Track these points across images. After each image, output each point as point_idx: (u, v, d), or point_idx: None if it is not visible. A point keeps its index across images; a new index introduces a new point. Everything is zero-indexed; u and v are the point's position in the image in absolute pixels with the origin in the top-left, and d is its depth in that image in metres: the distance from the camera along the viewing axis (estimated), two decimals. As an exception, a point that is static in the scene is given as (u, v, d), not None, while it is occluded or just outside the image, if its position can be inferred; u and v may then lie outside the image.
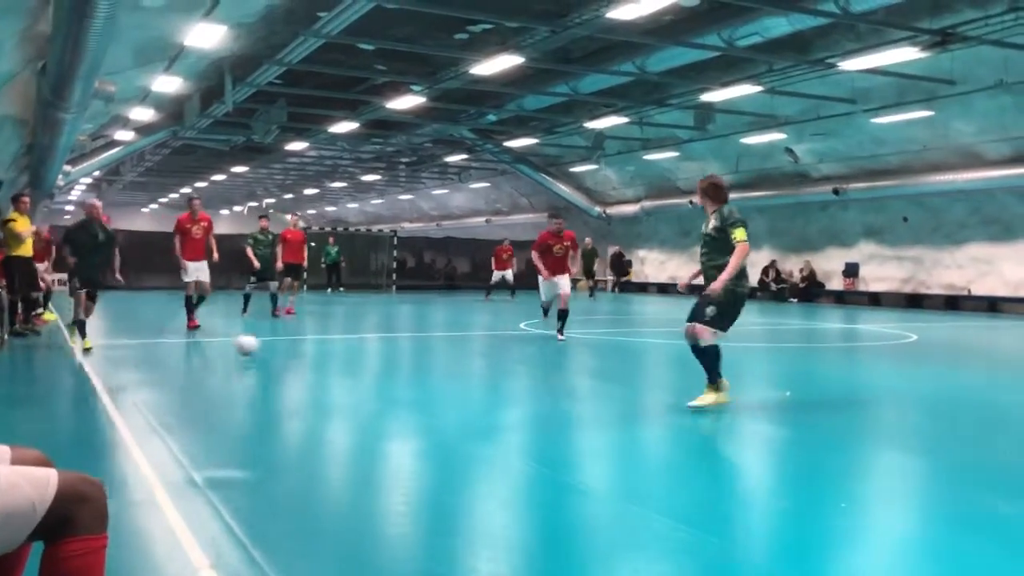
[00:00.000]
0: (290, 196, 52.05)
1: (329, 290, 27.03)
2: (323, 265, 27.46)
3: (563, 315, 12.04)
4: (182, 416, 6.57)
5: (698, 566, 3.57)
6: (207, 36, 13.67)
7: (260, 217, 16.73)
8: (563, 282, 12.09)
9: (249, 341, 9.45)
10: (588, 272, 27.53)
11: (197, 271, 12.97)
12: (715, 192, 7.13)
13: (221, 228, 54.67)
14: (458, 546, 3.77)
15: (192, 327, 12.70)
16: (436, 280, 31.71)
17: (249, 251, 15.63)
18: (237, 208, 59.24)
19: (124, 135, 24.97)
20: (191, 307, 13.02)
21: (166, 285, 26.21)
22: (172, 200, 54.34)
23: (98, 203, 10.82)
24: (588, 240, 27.46)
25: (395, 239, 32.35)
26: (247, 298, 16.38)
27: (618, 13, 12.20)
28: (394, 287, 30.56)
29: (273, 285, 15.96)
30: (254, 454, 5.42)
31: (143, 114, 22.13)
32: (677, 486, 4.89)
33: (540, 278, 12.28)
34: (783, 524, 4.27)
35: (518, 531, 4.05)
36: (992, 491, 4.76)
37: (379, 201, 51.74)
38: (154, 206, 57.66)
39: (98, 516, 2.37)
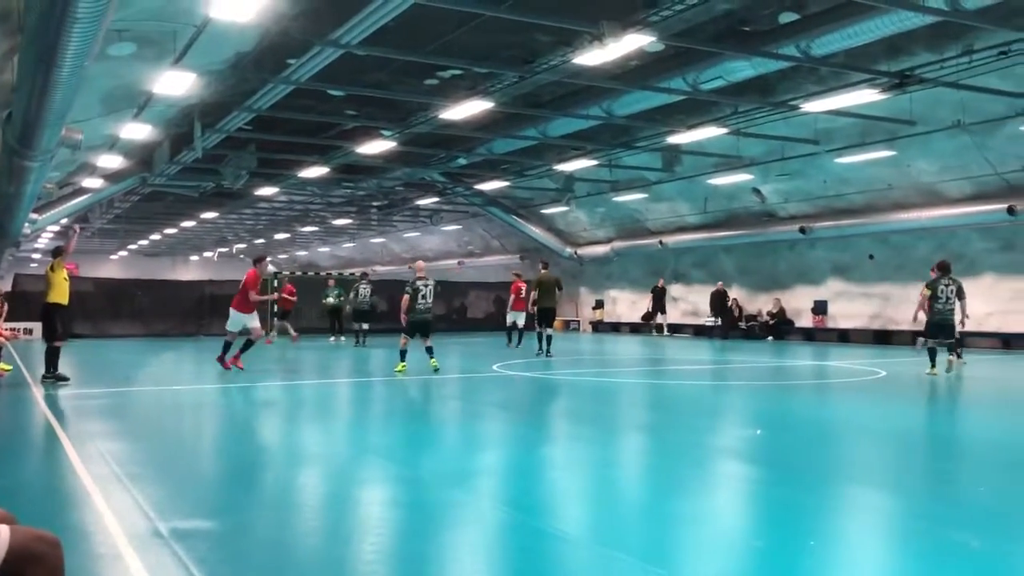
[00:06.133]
0: (261, 241, 51.88)
1: (332, 338, 24.34)
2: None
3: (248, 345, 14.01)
4: (149, 465, 6.48)
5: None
6: (176, 84, 13.70)
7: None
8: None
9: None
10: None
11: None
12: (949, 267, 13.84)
13: (190, 274, 53.59)
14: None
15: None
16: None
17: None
18: (207, 254, 58.94)
19: (92, 182, 24.83)
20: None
21: (139, 333, 25.96)
22: (142, 247, 53.98)
23: None
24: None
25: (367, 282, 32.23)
26: None
27: (584, 59, 12.38)
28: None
29: None
30: (222, 503, 5.35)
31: (111, 161, 22.04)
32: (650, 528, 4.88)
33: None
34: (755, 563, 4.27)
35: (488, 577, 4.02)
36: (961, 526, 4.80)
37: (351, 244, 51.71)
38: (123, 253, 57.22)
39: None
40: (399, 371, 13.39)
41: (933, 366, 13.73)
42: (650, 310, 29.04)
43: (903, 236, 23.04)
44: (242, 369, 13.51)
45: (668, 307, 29.54)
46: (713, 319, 27.48)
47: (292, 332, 23.98)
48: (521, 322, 20.79)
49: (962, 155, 19.52)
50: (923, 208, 21.49)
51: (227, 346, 13.85)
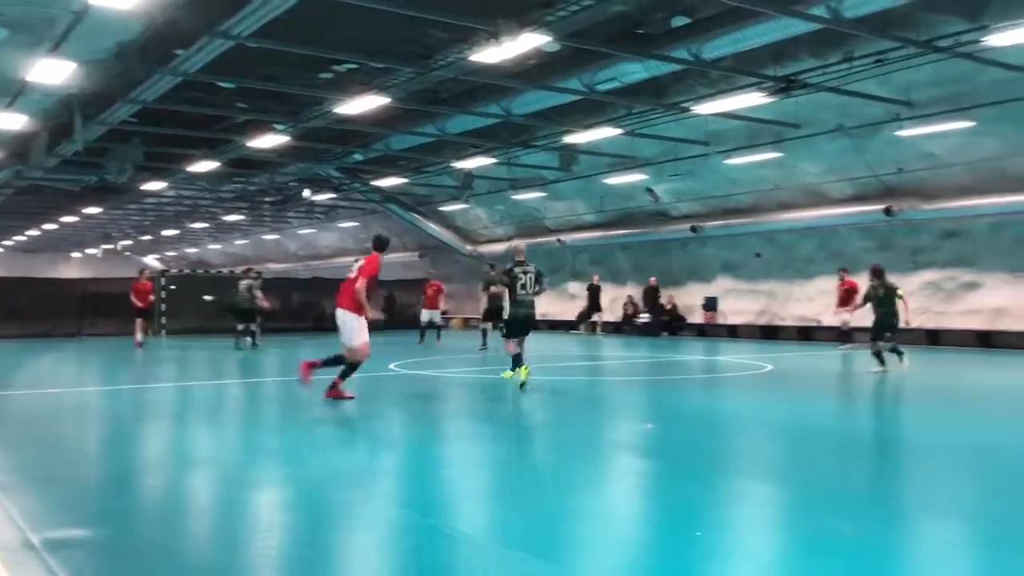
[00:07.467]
0: (148, 238, 50.03)
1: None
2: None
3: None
4: (20, 473, 6.16)
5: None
6: (53, 72, 13.06)
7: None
8: None
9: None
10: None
11: None
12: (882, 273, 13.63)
13: (73, 272, 51.09)
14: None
15: None
16: (304, 322, 31.01)
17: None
18: (91, 251, 56.45)
19: (-38, 175, 23.44)
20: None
21: (15, 334, 24.64)
22: (18, 243, 51.33)
23: None
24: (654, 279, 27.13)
25: (260, 280, 31.47)
26: None
27: (481, 57, 12.39)
28: (259, 330, 29.67)
29: None
30: (101, 511, 5.11)
31: (-17, 153, 20.87)
32: (544, 524, 4.90)
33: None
34: (643, 554, 4.34)
35: (381, 578, 3.97)
36: (835, 513, 4.99)
37: (243, 241, 50.39)
38: (-1, 249, 54.31)
39: None
40: (522, 380, 10.86)
41: (882, 363, 13.51)
42: (587, 308, 28.74)
43: (788, 235, 23.95)
44: (351, 398, 9.94)
45: (567, 304, 29.76)
46: (649, 315, 27.37)
47: (139, 335, 20.85)
48: (438, 320, 22.32)
49: (843, 157, 20.40)
50: (807, 208, 22.38)
51: (337, 362, 10.04)
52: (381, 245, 10.17)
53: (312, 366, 10.02)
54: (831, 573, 3.97)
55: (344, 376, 9.83)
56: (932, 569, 4.21)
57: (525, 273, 11.12)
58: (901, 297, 13.65)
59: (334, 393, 9.78)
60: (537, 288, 11.24)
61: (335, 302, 9.93)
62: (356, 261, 10.09)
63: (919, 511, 5.32)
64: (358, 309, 9.64)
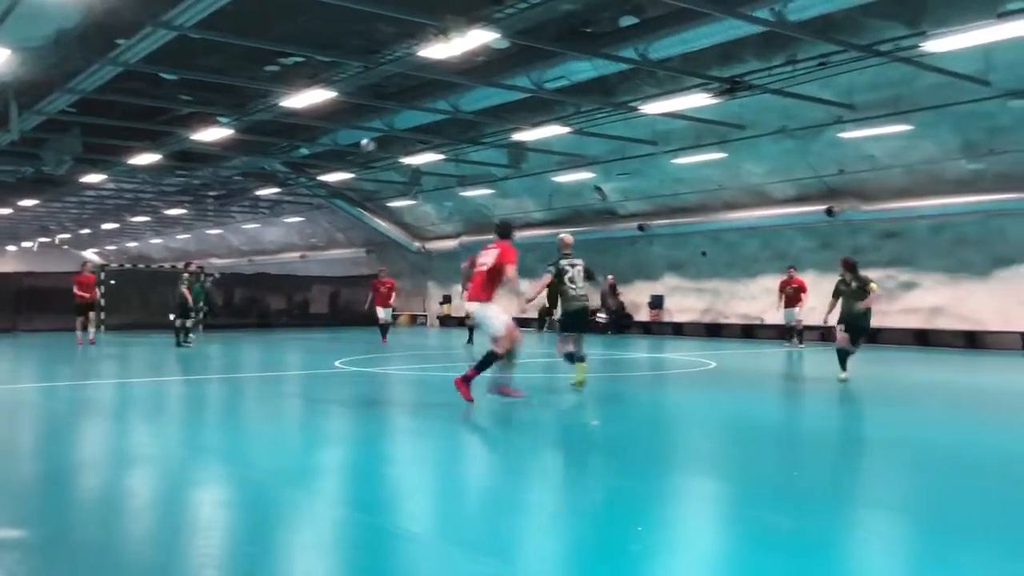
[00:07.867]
0: (87, 231, 48.83)
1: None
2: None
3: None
4: (-49, 474, 5.96)
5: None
6: (-12, 59, 12.69)
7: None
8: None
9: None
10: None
11: None
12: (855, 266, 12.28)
13: (7, 266, 49.65)
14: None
15: None
16: (247, 318, 30.56)
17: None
18: (26, 244, 54.91)
19: None
20: None
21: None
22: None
23: None
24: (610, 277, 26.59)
25: (202, 276, 30.96)
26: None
27: (429, 52, 12.34)
28: (201, 326, 29.23)
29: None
30: (37, 511, 4.98)
31: (-89, 141, 20.15)
32: (488, 521, 4.90)
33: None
34: (585, 549, 4.36)
35: (325, 577, 3.93)
36: (775, 509, 5.08)
37: (186, 236, 49.49)
38: (-72, 242, 52.58)
39: None
40: (576, 383, 10.52)
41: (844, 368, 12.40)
42: (547, 306, 28.48)
43: (733, 234, 24.30)
44: (518, 396, 9.28)
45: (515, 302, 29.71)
46: (605, 314, 27.32)
47: (91, 332, 20.16)
48: (388, 317, 22.08)
49: (786, 158, 20.77)
50: (751, 208, 22.75)
51: (486, 362, 9.13)
52: (508, 231, 9.46)
53: (467, 380, 9.14)
54: (770, 566, 4.03)
55: (505, 372, 9.20)
56: (870, 562, 4.31)
57: (572, 266, 10.57)
58: (871, 290, 12.24)
59: (504, 391, 9.20)
60: (587, 283, 10.74)
61: (467, 297, 9.29)
62: (482, 252, 9.38)
63: (856, 505, 5.44)
64: (490, 298, 9.09)
